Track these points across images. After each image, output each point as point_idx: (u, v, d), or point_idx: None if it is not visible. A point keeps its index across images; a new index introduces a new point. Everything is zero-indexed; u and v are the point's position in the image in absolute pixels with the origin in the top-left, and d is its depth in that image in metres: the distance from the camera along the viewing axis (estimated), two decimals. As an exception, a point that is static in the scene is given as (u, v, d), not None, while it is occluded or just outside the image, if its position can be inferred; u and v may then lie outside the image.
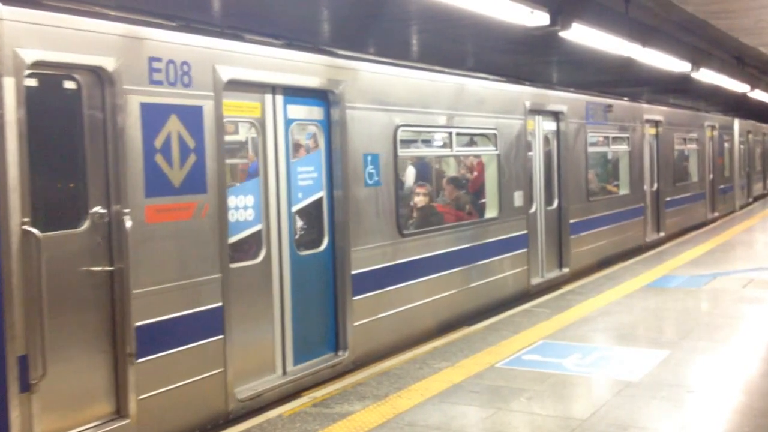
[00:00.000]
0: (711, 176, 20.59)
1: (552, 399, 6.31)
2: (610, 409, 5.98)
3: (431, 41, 13.97)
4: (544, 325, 8.76)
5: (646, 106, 16.17)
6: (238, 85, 6.24)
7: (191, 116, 5.78)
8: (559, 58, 15.94)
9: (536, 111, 11.27)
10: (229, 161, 7.18)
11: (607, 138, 14.12)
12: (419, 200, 9.71)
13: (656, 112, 16.61)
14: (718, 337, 8.08)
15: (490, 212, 10.21)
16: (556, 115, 11.93)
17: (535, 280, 11.11)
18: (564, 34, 8.98)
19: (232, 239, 6.38)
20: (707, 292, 10.53)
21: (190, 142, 5.76)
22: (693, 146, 19.28)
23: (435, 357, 7.54)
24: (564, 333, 8.37)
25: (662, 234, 16.42)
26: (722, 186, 22.03)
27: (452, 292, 9.08)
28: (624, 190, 14.83)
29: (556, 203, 11.95)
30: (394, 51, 13.03)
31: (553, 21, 8.33)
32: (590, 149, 13.14)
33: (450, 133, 9.29)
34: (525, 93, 10.99)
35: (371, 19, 11.83)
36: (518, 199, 10.55)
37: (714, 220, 20.41)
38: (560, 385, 6.65)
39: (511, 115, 10.44)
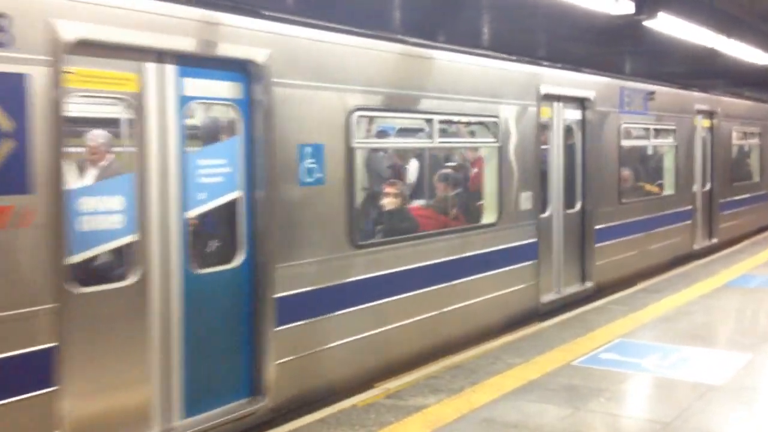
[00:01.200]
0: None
1: (632, 400, 6.12)
2: (694, 414, 5.76)
3: (502, 30, 13.74)
4: (620, 322, 8.53)
5: (697, 94, 14.20)
6: (98, 49, 4.74)
7: (6, 88, 4.27)
8: (634, 48, 15.51)
9: (554, 97, 9.49)
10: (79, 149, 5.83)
11: (647, 130, 12.32)
12: (387, 202, 7.76)
13: (710, 101, 14.61)
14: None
15: (487, 217, 8.51)
16: (581, 102, 10.16)
17: (548, 297, 9.33)
18: (648, 23, 8.68)
19: (84, 255, 4.83)
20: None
21: (3, 123, 4.26)
22: (755, 141, 17.32)
23: (507, 352, 7.39)
24: (641, 332, 8.13)
25: (715, 240, 14.63)
26: None
27: (425, 315, 7.31)
28: (668, 191, 12.98)
29: (578, 206, 10.15)
30: (463, 40, 12.86)
31: (639, 9, 8.05)
32: (625, 143, 11.34)
33: (430, 121, 7.54)
34: (538, 74, 9.23)
35: (439, 4, 11.68)
36: (526, 201, 8.90)
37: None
38: (640, 386, 6.45)
39: (518, 101, 8.75)
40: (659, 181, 13.09)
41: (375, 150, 9.09)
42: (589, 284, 10.22)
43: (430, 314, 7.43)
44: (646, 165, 13.40)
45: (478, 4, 11.58)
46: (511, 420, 5.67)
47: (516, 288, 8.73)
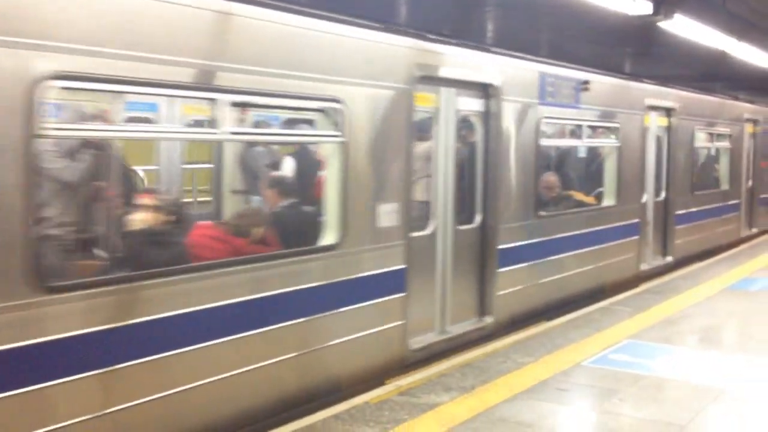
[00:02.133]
0: (750, 183, 16.73)
1: (646, 402, 6.09)
2: (710, 417, 5.77)
3: (508, 27, 13.70)
4: (626, 323, 8.53)
5: (650, 87, 12.12)
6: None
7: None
8: (641, 50, 15.50)
9: (440, 80, 7.38)
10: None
11: (579, 128, 10.27)
12: (137, 220, 5.64)
13: (667, 96, 12.55)
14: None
15: (324, 238, 6.29)
16: (484, 90, 8.01)
17: (424, 339, 7.37)
18: (664, 25, 8.66)
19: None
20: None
21: None
22: (725, 144, 15.28)
23: (517, 351, 7.37)
24: (648, 333, 8.13)
25: (669, 259, 12.55)
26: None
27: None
28: (608, 201, 10.78)
29: (478, 220, 8.10)
30: (470, 36, 12.82)
31: (656, 10, 8.02)
32: (545, 142, 9.36)
33: (214, 101, 5.22)
34: (414, 49, 7.07)
35: (448, 4, 11.63)
36: (387, 215, 6.72)
37: (750, 237, 16.53)
38: (652, 387, 6.43)
39: (379, 82, 6.58)
40: (598, 190, 10.96)
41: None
42: (488, 320, 8.14)
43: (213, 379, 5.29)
44: (579, 170, 11.32)
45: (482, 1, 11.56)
46: (526, 419, 5.65)
47: (367, 332, 6.57)
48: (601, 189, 10.91)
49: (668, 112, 12.47)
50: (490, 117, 8.09)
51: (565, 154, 11.35)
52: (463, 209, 7.93)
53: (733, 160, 15.58)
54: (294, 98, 5.87)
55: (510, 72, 8.40)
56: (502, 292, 8.29)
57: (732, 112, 15.64)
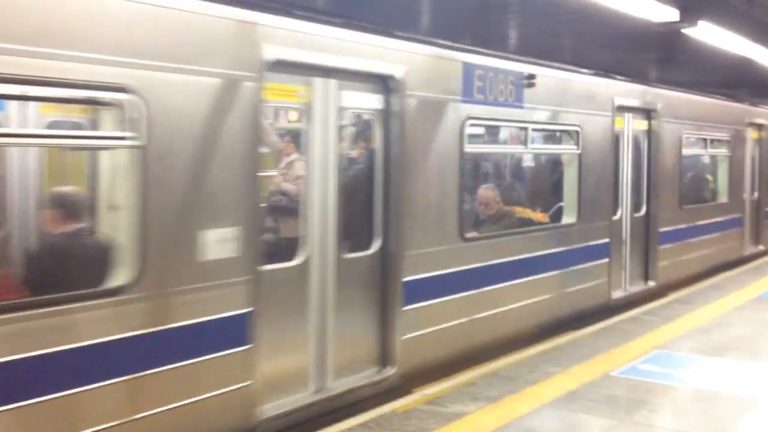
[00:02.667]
0: (755, 195, 15.12)
1: (677, 413, 6.01)
2: (743, 428, 5.66)
3: (529, 34, 13.66)
4: (654, 333, 8.42)
5: (620, 85, 10.17)
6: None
7: None
8: (662, 55, 15.39)
9: (308, 67, 5.73)
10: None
11: (524, 131, 8.39)
12: None
13: (645, 96, 10.71)
14: None
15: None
16: (383, 83, 6.38)
17: None
18: (688, 31, 8.59)
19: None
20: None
21: None
22: (722, 151, 13.67)
23: (545, 361, 7.29)
24: (677, 344, 8.02)
25: (652, 284, 10.83)
26: None
27: None
28: (568, 218, 9.14)
29: (376, 245, 6.47)
30: (492, 43, 12.79)
31: (681, 17, 7.95)
32: (472, 149, 7.72)
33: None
34: (244, 24, 5.21)
35: (468, 7, 11.61)
36: (215, 245, 5.01)
37: (756, 255, 14.91)
38: (683, 398, 6.34)
39: (189, 67, 4.86)
40: (556, 205, 9.53)
41: None
42: (389, 371, 6.49)
43: None
44: (528, 183, 10.11)
45: (504, 6, 11.52)
46: (554, 431, 5.57)
47: (183, 402, 4.85)
48: (559, 204, 9.36)
49: (648, 114, 10.76)
50: (391, 117, 6.43)
51: (507, 164, 9.80)
52: (355, 233, 6.39)
53: (733, 170, 13.82)
54: (48, 85, 4.19)
55: (418, 61, 6.70)
56: (408, 336, 6.62)
57: (731, 115, 13.87)
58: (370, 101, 6.35)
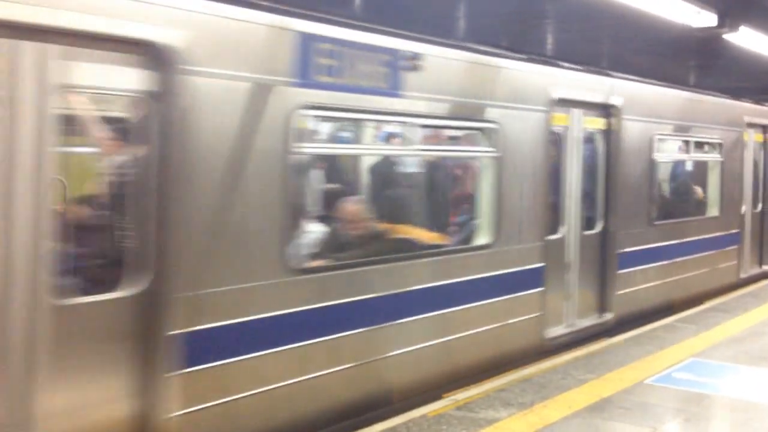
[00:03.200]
0: (759, 207, 13.22)
1: (711, 422, 5.95)
2: (779, 440, 5.58)
3: (568, 40, 13.61)
4: (690, 341, 8.32)
5: (561, 73, 8.43)
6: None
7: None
8: (704, 62, 15.23)
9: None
10: None
11: (409, 126, 6.61)
12: None
13: (599, 87, 8.90)
14: None
15: None
16: (155, 55, 4.64)
17: None
18: (729, 37, 8.49)
19: None
20: None
21: None
22: (713, 156, 11.66)
23: (577, 368, 7.25)
24: (713, 352, 7.92)
25: (608, 316, 9.02)
26: None
27: None
28: (482, 238, 7.29)
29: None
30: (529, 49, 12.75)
31: (721, 22, 7.86)
32: (308, 148, 5.82)
33: None
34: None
35: (505, 14, 11.59)
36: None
37: (759, 277, 12.92)
38: (718, 407, 6.26)
39: None
40: (455, 220, 7.82)
41: None
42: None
43: None
44: (419, 195, 7.48)
45: (541, 14, 11.49)
46: (587, 438, 5.55)
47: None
48: (470, 221, 7.59)
49: (607, 110, 9.00)
50: (163, 104, 4.69)
51: (385, 169, 7.40)
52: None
53: (727, 178, 11.72)
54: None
55: (211, 27, 4.98)
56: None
57: (724, 114, 11.71)
58: (128, 80, 4.59)
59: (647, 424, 5.83)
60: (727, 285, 11.69)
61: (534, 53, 8.43)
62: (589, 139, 8.84)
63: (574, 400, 6.30)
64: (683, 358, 7.59)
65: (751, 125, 12.48)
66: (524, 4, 10.63)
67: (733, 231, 12.05)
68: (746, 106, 12.62)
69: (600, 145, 9.00)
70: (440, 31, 8.91)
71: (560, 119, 8.20)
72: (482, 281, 7.16)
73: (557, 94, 8.03)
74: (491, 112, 7.22)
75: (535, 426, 5.72)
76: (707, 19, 7.85)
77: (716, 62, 14.42)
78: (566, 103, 8.23)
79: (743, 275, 12.32)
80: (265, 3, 5.39)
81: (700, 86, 15.63)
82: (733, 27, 8.17)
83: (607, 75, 9.17)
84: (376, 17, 8.71)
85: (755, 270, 12.85)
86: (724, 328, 8.97)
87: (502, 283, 7.40)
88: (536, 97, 7.81)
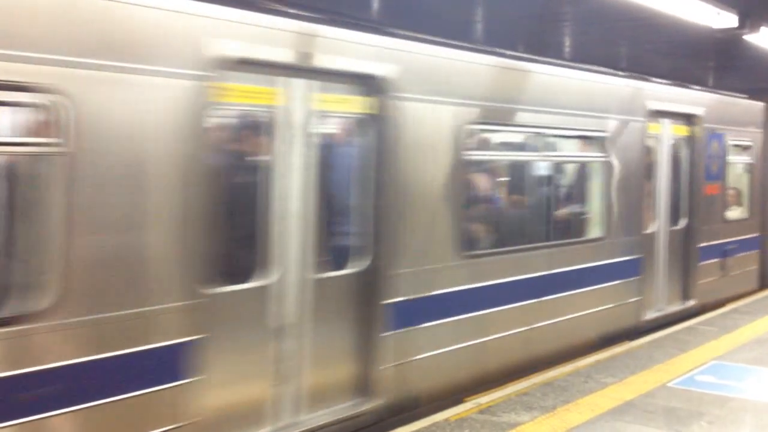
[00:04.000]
0: (681, 224, 10.11)
1: (735, 425, 5.91)
2: (804, 443, 5.55)
3: (585, 42, 13.56)
4: (712, 344, 8.29)
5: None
6: None
7: None
8: (721, 63, 15.12)
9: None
10: None
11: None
12: None
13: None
14: None
15: None
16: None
17: None
18: (750, 38, 8.45)
19: None
20: None
21: None
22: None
23: (599, 371, 7.24)
24: (735, 354, 7.88)
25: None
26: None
27: None
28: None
29: None
30: (546, 52, 12.72)
31: (742, 23, 7.83)
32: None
33: None
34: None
35: (524, 16, 11.58)
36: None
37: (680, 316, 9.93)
38: (741, 410, 6.24)
39: None
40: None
41: None
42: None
43: None
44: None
45: (559, 16, 11.46)
46: (610, 441, 5.54)
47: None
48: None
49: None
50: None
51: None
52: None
53: (624, 187, 8.77)
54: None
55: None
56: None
57: (602, 97, 8.62)
58: None
59: (671, 427, 5.81)
60: (619, 332, 8.72)
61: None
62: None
63: (596, 404, 6.29)
64: (705, 361, 7.57)
65: (659, 113, 9.48)
66: (541, 7, 10.62)
67: (629, 258, 8.98)
68: (648, 86, 9.53)
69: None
70: (458, 34, 8.94)
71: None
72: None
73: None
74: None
75: (558, 430, 5.72)
76: (728, 20, 7.81)
77: (736, 63, 14.32)
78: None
79: (646, 317, 9.21)
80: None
81: (719, 87, 15.53)
82: (754, 28, 8.12)
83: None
84: (392, 20, 8.78)
85: (677, 306, 9.94)
86: (746, 330, 8.93)
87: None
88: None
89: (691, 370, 7.27)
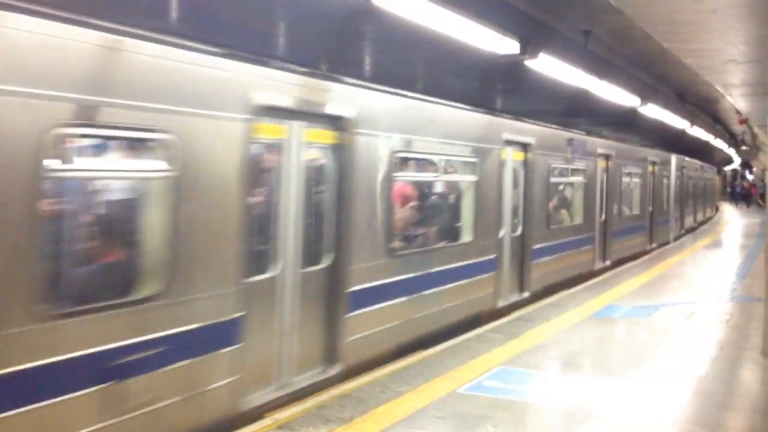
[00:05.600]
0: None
1: (518, 427, 6.31)
2: (577, 439, 6.01)
3: (383, 61, 14.00)
4: (499, 350, 8.78)
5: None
6: None
7: None
8: (509, 86, 16.13)
9: None
10: None
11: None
12: None
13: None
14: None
15: None
16: None
17: None
18: (530, 63, 9.09)
19: None
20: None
21: None
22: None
23: (395, 380, 7.45)
24: (520, 360, 8.40)
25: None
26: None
27: None
28: None
29: None
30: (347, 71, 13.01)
31: (523, 49, 8.42)
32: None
33: None
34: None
35: (327, 34, 11.79)
36: None
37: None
38: (525, 412, 6.66)
39: None
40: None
41: None
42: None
43: None
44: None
45: (360, 35, 11.77)
46: (403, 448, 5.72)
47: None
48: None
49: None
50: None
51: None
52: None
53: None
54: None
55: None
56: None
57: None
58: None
59: (459, 431, 6.09)
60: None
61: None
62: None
63: (392, 413, 6.48)
64: (492, 367, 8.00)
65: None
66: (343, 25, 10.84)
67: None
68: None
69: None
70: (260, 47, 8.93)
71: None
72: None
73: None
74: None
75: (354, 440, 5.83)
76: (510, 46, 8.35)
77: (521, 86, 15.34)
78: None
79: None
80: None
81: (505, 109, 16.55)
82: (533, 54, 8.75)
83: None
84: (195, 30, 8.62)
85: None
86: (529, 337, 9.53)
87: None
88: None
89: (479, 375, 7.66)
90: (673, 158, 24.65)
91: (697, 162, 31.66)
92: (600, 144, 16.44)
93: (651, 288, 14.09)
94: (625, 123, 20.32)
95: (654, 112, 16.31)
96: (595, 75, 11.36)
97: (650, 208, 21.28)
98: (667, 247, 22.60)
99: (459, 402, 6.84)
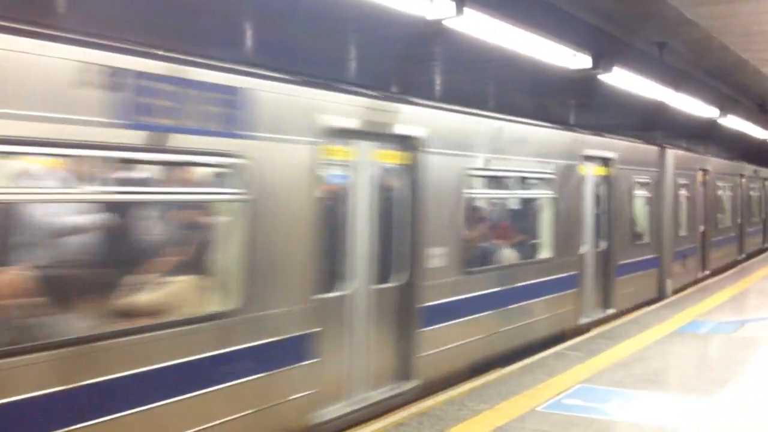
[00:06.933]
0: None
1: (600, 445, 6.19)
2: (661, 458, 5.86)
3: (456, 81, 14.04)
4: (579, 368, 8.65)
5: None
6: None
7: None
8: (583, 101, 15.97)
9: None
10: None
11: None
12: None
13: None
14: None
15: None
16: None
17: None
18: (604, 77, 9.00)
19: None
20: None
21: None
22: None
23: (472, 399, 7.42)
24: (600, 377, 8.26)
25: None
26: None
27: None
28: None
29: None
30: (417, 91, 13.09)
31: (595, 64, 8.35)
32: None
33: None
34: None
35: (393, 57, 11.89)
36: None
37: None
38: (606, 431, 6.54)
39: None
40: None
41: None
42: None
43: None
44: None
45: (430, 56, 11.84)
46: (483, 467, 5.68)
47: None
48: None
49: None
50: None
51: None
52: None
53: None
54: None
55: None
56: None
57: None
58: None
59: (540, 450, 6.03)
60: None
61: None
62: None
63: (470, 431, 6.44)
64: (571, 385, 7.88)
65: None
66: (410, 47, 10.94)
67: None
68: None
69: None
70: (331, 71, 9.08)
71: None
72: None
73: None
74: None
75: (433, 458, 5.83)
76: (583, 61, 8.30)
77: (594, 101, 15.16)
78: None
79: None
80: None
81: (579, 124, 16.35)
82: (607, 68, 8.66)
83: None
84: (270, 59, 8.83)
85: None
86: (609, 354, 9.36)
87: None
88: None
89: (558, 394, 7.56)
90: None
91: None
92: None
93: (736, 303, 13.67)
94: (703, 135, 19.88)
95: (734, 122, 15.88)
96: (672, 87, 11.14)
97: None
98: (758, 258, 22.37)
99: (538, 420, 6.76)
